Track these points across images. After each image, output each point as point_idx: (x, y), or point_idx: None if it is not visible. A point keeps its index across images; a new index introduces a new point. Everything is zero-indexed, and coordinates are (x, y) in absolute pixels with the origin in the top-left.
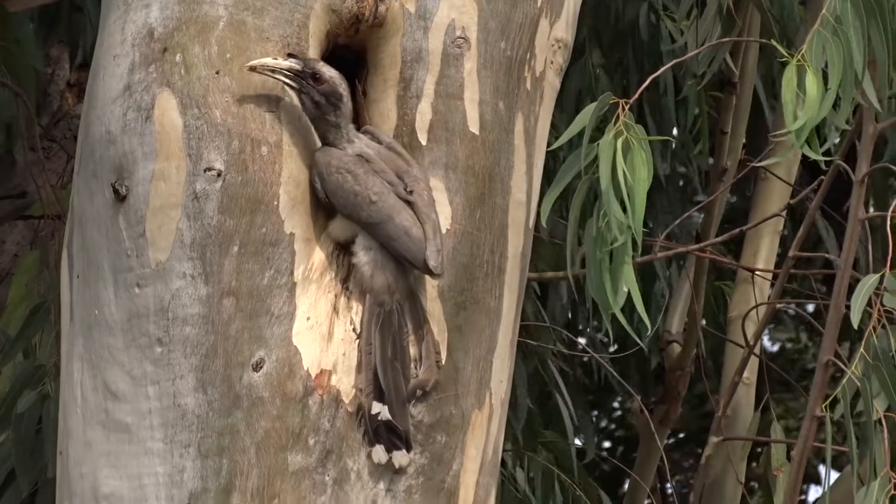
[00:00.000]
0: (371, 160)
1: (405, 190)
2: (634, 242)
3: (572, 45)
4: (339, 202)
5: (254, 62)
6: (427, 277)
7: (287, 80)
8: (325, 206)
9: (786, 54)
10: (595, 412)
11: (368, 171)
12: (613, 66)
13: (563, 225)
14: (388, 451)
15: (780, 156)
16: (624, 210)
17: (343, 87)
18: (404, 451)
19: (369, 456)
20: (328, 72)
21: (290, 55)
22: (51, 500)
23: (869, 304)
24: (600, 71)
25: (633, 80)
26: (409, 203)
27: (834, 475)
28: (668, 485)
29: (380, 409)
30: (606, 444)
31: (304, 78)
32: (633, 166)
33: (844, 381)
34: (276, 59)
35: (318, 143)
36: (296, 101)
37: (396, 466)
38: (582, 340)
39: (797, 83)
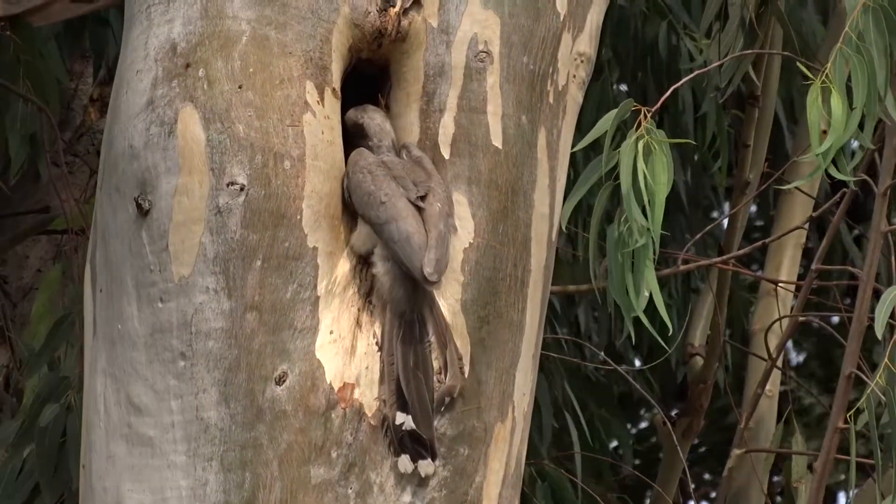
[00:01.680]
0: (391, 167)
1: (417, 196)
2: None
3: (595, 59)
4: (356, 200)
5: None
6: (447, 288)
7: None
8: (348, 205)
9: (809, 75)
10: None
11: (387, 175)
12: (633, 86)
13: (581, 237)
14: (414, 460)
15: (808, 177)
16: (644, 214)
17: (365, 118)
18: (429, 459)
19: (393, 467)
20: (364, 119)
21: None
22: None
23: (893, 315)
24: (619, 89)
25: (652, 98)
26: (419, 210)
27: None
28: (691, 498)
29: (404, 419)
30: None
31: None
32: (654, 170)
33: (866, 394)
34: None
35: (343, 157)
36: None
37: (422, 475)
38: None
39: (822, 102)
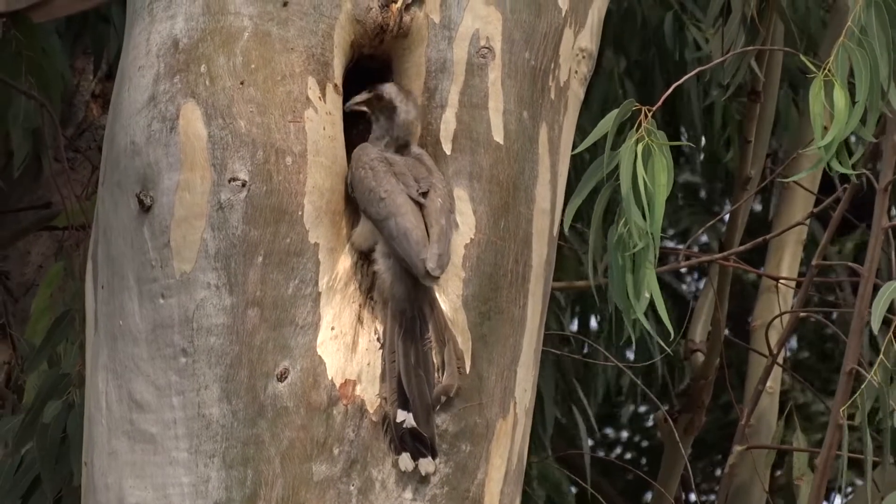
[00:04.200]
0: (393, 164)
1: (418, 192)
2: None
3: (597, 54)
4: (358, 196)
5: (348, 106)
6: (448, 284)
7: (362, 108)
8: (351, 200)
9: (812, 68)
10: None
11: (388, 171)
12: (638, 74)
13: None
14: (415, 458)
15: (809, 169)
16: (644, 216)
17: (399, 99)
18: (430, 458)
19: (395, 464)
20: (387, 91)
21: (369, 86)
22: None
23: (891, 310)
24: (625, 79)
25: (658, 87)
26: (420, 206)
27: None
28: (692, 494)
29: (405, 417)
30: (629, 455)
31: (372, 102)
32: (654, 172)
33: (861, 388)
34: (359, 98)
35: (345, 152)
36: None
37: (423, 473)
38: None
39: (824, 96)
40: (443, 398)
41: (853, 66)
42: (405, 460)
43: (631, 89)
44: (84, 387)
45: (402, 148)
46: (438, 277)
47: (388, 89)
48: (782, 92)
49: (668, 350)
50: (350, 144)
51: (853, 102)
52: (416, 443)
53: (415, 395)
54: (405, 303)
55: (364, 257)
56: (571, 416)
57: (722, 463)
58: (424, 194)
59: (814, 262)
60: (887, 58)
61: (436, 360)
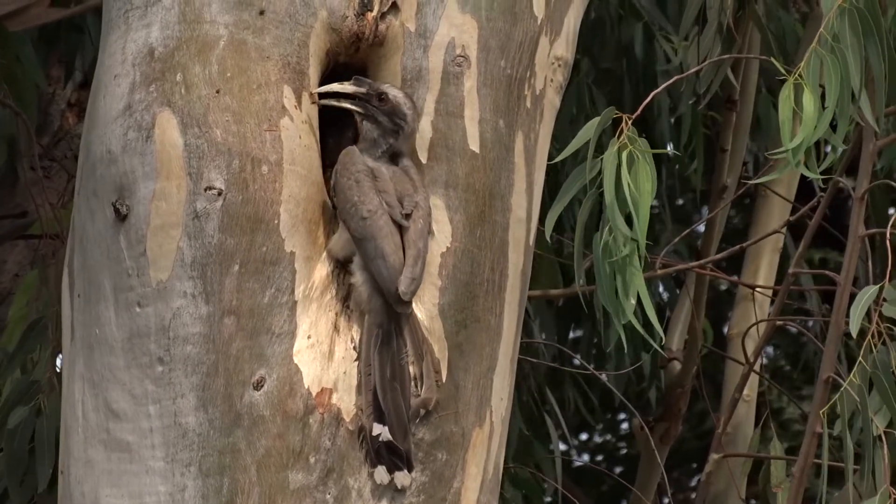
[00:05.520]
0: (378, 178)
1: (402, 214)
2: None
3: (572, 62)
4: (339, 204)
5: (321, 88)
6: (424, 293)
7: (353, 107)
8: (329, 205)
9: (783, 72)
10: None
11: (372, 188)
12: (607, 86)
13: (561, 241)
14: (391, 471)
15: (778, 172)
16: (628, 223)
17: (408, 107)
18: (406, 471)
19: (371, 476)
20: (392, 91)
21: (356, 78)
22: None
23: (868, 318)
24: (594, 89)
25: (628, 99)
26: (401, 227)
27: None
28: (668, 501)
29: (381, 430)
30: (604, 463)
31: (370, 100)
32: (638, 179)
33: (840, 392)
34: (342, 84)
35: (320, 162)
36: (362, 126)
37: (399, 487)
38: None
39: (794, 101)
40: (421, 411)
41: (824, 72)
42: (381, 473)
43: (601, 99)
44: (54, 393)
45: (394, 157)
46: (409, 302)
47: (395, 93)
48: (761, 99)
49: (659, 349)
50: (325, 150)
51: (823, 108)
52: (392, 456)
53: (390, 409)
54: (382, 315)
55: (340, 266)
56: (544, 424)
57: (697, 472)
58: (407, 216)
59: (790, 271)
60: (859, 65)
61: (413, 372)
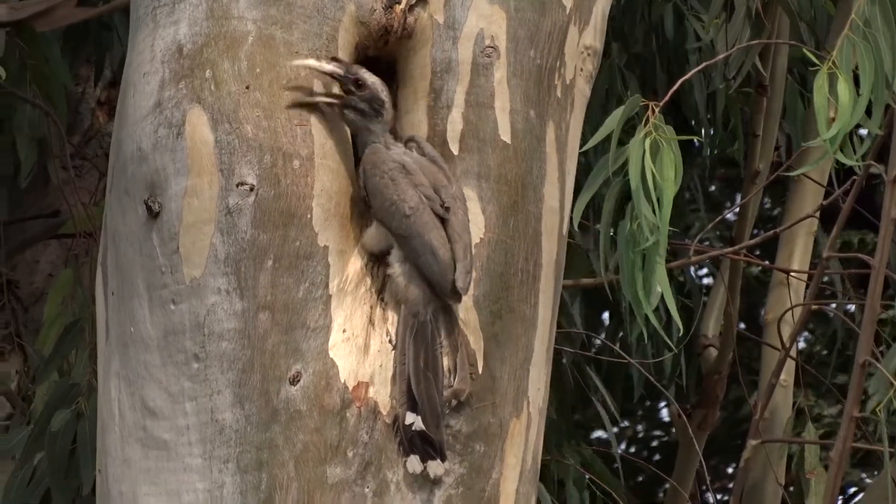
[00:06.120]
0: (411, 171)
1: (442, 206)
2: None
3: (602, 51)
4: (375, 204)
5: (298, 61)
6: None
7: (327, 100)
8: (363, 201)
9: (816, 61)
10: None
11: (409, 183)
12: (639, 68)
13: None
14: (424, 461)
15: (814, 163)
16: (654, 211)
17: (385, 94)
18: (439, 460)
19: (405, 466)
20: (370, 77)
21: (332, 59)
22: None
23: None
24: (626, 72)
25: (661, 80)
26: (443, 220)
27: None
28: (706, 489)
29: (413, 420)
30: (644, 452)
31: (347, 83)
32: (662, 167)
33: (875, 377)
34: (319, 61)
35: (352, 154)
36: (333, 111)
37: (432, 476)
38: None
39: (828, 89)
40: (453, 402)
41: (857, 59)
42: (413, 463)
43: (633, 82)
44: (93, 396)
45: (406, 143)
46: (466, 294)
47: (372, 78)
48: (791, 84)
49: (674, 350)
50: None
51: (857, 95)
52: (426, 445)
53: (424, 399)
54: (419, 306)
55: (373, 258)
56: (585, 413)
57: (735, 458)
58: (447, 208)
59: (824, 255)
60: (891, 50)
61: (448, 363)
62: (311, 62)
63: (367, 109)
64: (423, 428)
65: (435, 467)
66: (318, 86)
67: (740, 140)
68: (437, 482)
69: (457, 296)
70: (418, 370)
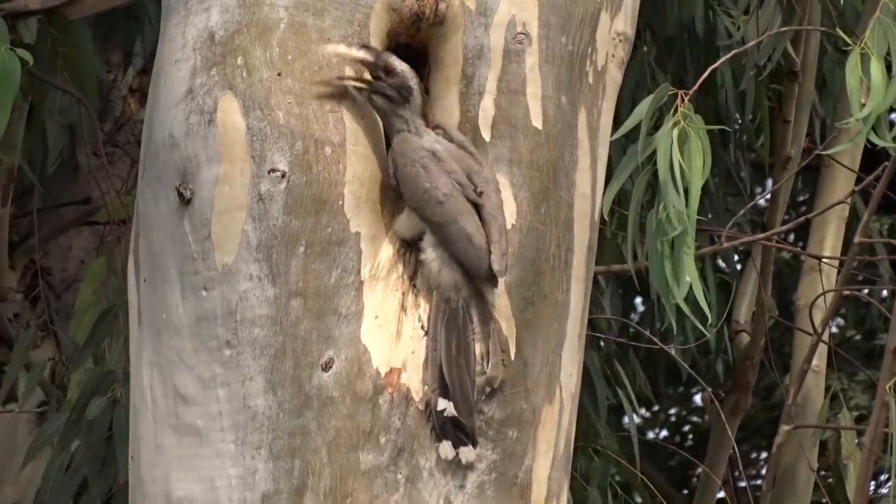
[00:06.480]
0: (442, 159)
1: (475, 192)
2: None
3: (633, 38)
4: (407, 193)
5: (329, 48)
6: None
7: (357, 84)
8: (394, 189)
9: (848, 42)
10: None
11: (441, 170)
12: (669, 61)
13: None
14: (455, 446)
15: (847, 142)
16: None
17: (414, 81)
18: (470, 446)
19: (437, 451)
20: (399, 65)
21: (363, 46)
22: None
23: None
24: (656, 68)
25: (690, 73)
26: (476, 206)
27: None
28: (739, 474)
29: (445, 406)
30: (675, 436)
31: (376, 70)
32: (690, 156)
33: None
34: (349, 48)
35: (383, 141)
36: (362, 96)
37: (463, 462)
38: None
39: (861, 70)
40: (487, 389)
41: (890, 41)
42: (446, 448)
43: (662, 79)
44: (128, 383)
45: (434, 130)
46: (503, 277)
47: (401, 66)
48: (823, 69)
49: (708, 335)
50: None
51: (889, 76)
52: (458, 431)
53: (455, 385)
54: (451, 292)
55: (406, 245)
56: (615, 398)
57: (767, 444)
58: (480, 193)
59: (856, 240)
60: None
61: (480, 349)
62: (342, 48)
63: (395, 96)
64: (455, 414)
65: (467, 453)
66: (349, 73)
67: (766, 132)
68: (469, 468)
69: (493, 280)
70: (450, 356)
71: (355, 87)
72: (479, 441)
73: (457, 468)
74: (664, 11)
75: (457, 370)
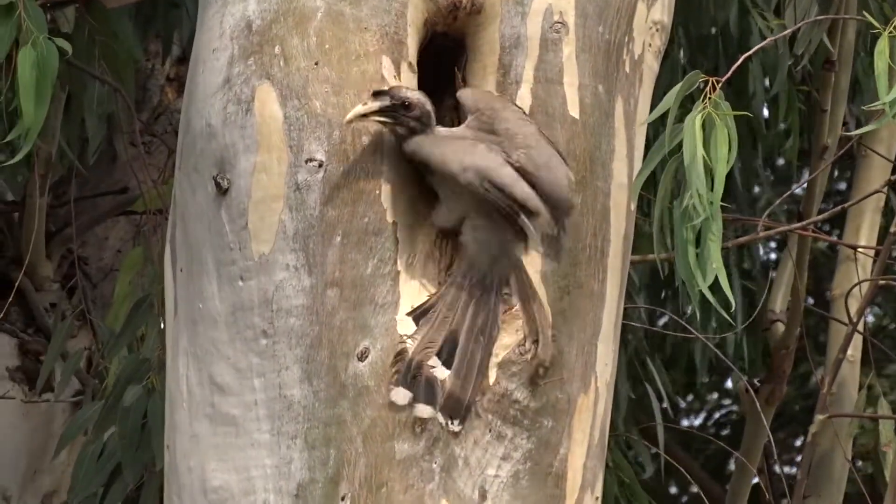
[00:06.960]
0: (465, 137)
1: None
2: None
3: (670, 27)
4: (438, 177)
5: (348, 116)
6: (528, 259)
7: (382, 119)
8: (428, 178)
9: (876, 24)
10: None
11: (470, 143)
12: (702, 62)
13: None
14: (416, 400)
15: (876, 124)
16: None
17: (429, 105)
18: (431, 407)
19: (478, 440)
20: (413, 95)
21: (375, 93)
22: (156, 493)
23: None
24: (688, 69)
25: (722, 74)
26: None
27: None
28: (774, 462)
29: (436, 366)
30: (710, 426)
31: (397, 110)
32: (716, 143)
33: None
34: (364, 103)
35: None
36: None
37: (415, 415)
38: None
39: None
40: (541, 370)
41: None
42: (399, 394)
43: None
44: (164, 372)
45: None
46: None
47: (418, 97)
48: (860, 59)
49: (737, 328)
50: None
51: None
52: (428, 391)
53: (465, 356)
54: (486, 271)
55: (443, 235)
56: (653, 387)
57: (802, 433)
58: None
59: (892, 230)
60: None
61: (518, 333)
62: (358, 108)
63: (417, 126)
64: (444, 378)
65: (422, 410)
66: (387, 66)
67: (795, 137)
68: (505, 457)
69: (569, 209)
70: (472, 330)
71: (379, 122)
72: (499, 427)
73: (492, 457)
74: (699, 11)
75: (474, 344)
